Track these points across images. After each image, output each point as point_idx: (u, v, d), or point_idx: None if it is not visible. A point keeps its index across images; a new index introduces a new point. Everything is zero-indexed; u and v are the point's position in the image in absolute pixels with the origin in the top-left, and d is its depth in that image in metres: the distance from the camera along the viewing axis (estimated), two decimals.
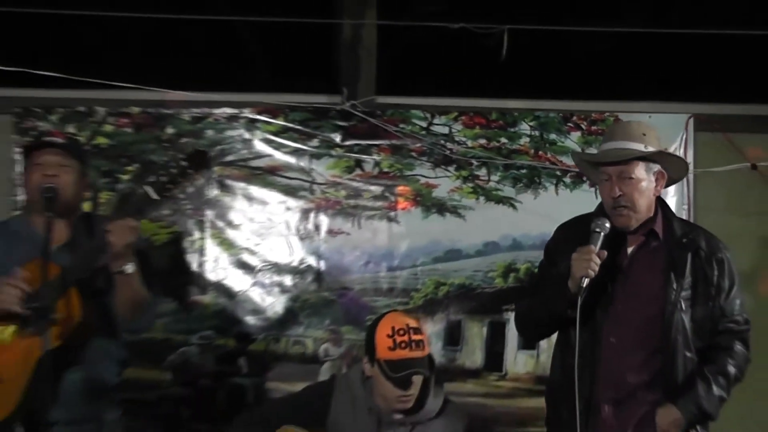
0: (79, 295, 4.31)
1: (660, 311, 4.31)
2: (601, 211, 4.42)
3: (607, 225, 4.22)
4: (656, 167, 4.35)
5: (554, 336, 4.65)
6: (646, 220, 4.38)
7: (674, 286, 4.30)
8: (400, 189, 6.28)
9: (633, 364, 4.33)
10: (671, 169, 4.43)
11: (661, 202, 4.49)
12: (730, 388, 4.36)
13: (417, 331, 4.46)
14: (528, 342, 6.08)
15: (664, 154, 4.42)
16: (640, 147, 4.31)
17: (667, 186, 4.52)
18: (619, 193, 4.28)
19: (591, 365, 4.30)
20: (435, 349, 6.09)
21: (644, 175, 4.31)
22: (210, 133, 6.23)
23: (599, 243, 4.19)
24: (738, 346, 4.39)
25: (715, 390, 4.29)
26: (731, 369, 4.35)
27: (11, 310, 4.23)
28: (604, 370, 4.32)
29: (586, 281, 4.13)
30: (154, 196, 4.22)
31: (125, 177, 6.12)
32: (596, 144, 6.14)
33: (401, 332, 4.46)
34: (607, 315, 4.34)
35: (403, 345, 4.43)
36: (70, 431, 4.40)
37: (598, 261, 4.14)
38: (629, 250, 4.42)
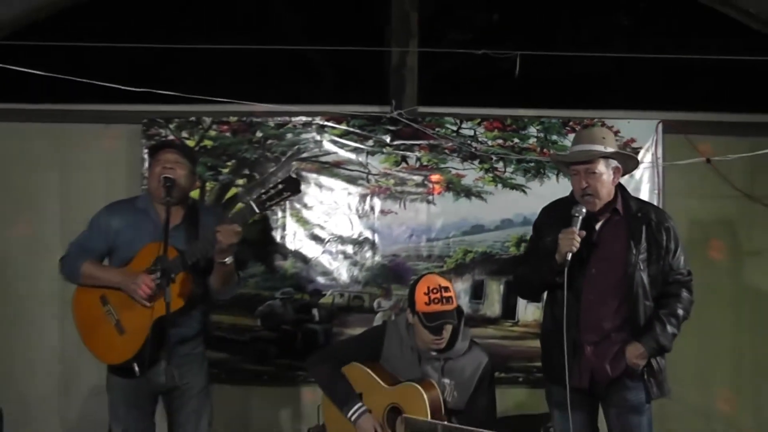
0: (190, 275, 4.44)
1: (624, 271, 4.40)
2: (572, 198, 4.51)
3: (584, 210, 4.35)
4: (614, 163, 4.47)
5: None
6: (609, 201, 4.46)
7: (633, 251, 4.40)
8: (433, 177, 6.28)
9: (607, 314, 4.46)
10: (625, 163, 4.53)
11: (620, 187, 4.56)
12: (680, 326, 4.46)
13: (447, 289, 4.54)
14: (526, 299, 6.03)
15: (619, 154, 4.50)
16: (600, 148, 4.39)
17: (623, 175, 4.55)
18: (586, 185, 4.39)
19: (575, 316, 4.40)
20: (463, 302, 6.14)
21: (604, 170, 4.42)
22: (289, 136, 6.27)
23: (579, 224, 4.32)
24: (684, 293, 4.49)
25: (669, 329, 4.40)
26: (680, 311, 4.45)
27: (141, 302, 4.39)
28: (585, 320, 4.43)
29: (569, 255, 4.26)
30: (257, 210, 4.30)
31: (225, 171, 6.20)
32: None
33: (435, 291, 4.56)
34: (584, 277, 4.46)
35: (436, 301, 4.53)
36: (172, 365, 4.45)
37: (579, 239, 4.27)
38: (597, 225, 4.50)
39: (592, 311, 4.46)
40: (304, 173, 6.30)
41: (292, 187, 4.33)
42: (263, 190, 4.35)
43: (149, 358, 4.38)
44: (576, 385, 4.44)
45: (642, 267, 4.42)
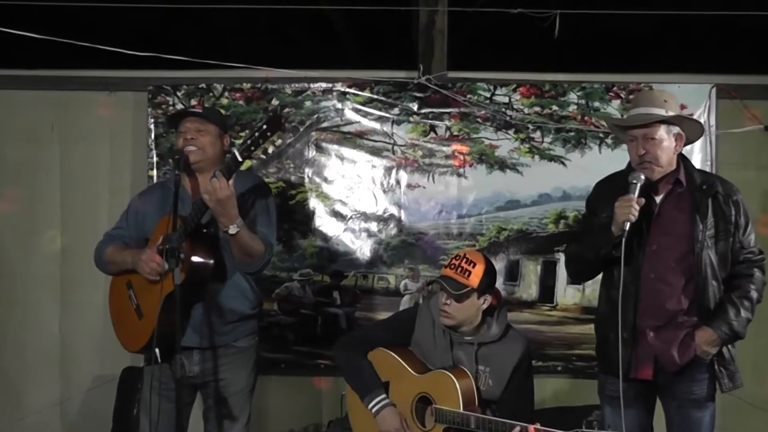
0: (192, 242, 4.35)
1: (689, 248, 4.30)
2: (630, 168, 4.40)
3: (642, 177, 4.24)
4: (676, 129, 4.34)
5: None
6: (671, 172, 4.36)
7: (700, 226, 4.29)
8: (458, 148, 6.24)
9: (671, 295, 4.33)
10: (688, 130, 4.41)
11: (682, 158, 4.45)
12: (754, 309, 4.34)
13: (470, 263, 4.52)
14: (577, 281, 5.99)
15: (681, 118, 4.39)
16: (661, 112, 4.29)
17: (686, 145, 4.44)
18: (643, 151, 4.28)
19: (633, 297, 4.31)
20: (497, 284, 6.14)
21: (665, 136, 4.30)
22: (308, 104, 6.24)
23: (637, 192, 4.21)
24: (757, 273, 4.38)
25: (743, 313, 4.29)
26: (754, 293, 4.35)
27: (148, 277, 4.38)
28: (646, 301, 4.33)
29: (627, 225, 4.16)
30: (239, 158, 4.19)
31: (238, 142, 6.10)
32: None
33: (457, 258, 4.56)
34: (644, 254, 4.34)
35: (452, 266, 4.53)
36: (203, 352, 4.55)
37: (637, 207, 4.17)
38: (658, 198, 4.38)
39: (653, 291, 4.34)
40: (324, 144, 6.30)
41: (276, 125, 4.24)
42: (247, 136, 4.24)
43: (165, 341, 4.26)
44: (635, 375, 4.35)
45: (709, 244, 4.32)
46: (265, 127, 4.21)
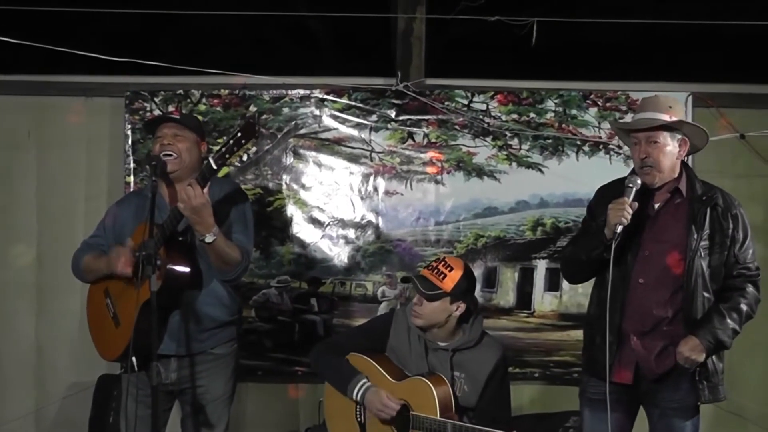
0: (169, 249, 4.35)
1: (682, 257, 4.29)
2: (633, 173, 4.40)
3: (639, 181, 4.25)
4: (679, 135, 4.34)
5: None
6: (672, 179, 4.36)
7: (695, 236, 4.28)
8: (434, 155, 6.26)
9: (658, 301, 4.34)
10: (693, 137, 4.39)
11: (685, 166, 4.45)
12: (743, 323, 4.32)
13: (448, 267, 4.54)
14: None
15: (685, 124, 4.39)
16: (665, 117, 4.30)
17: (691, 153, 4.46)
18: (645, 154, 4.28)
19: (621, 301, 4.32)
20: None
21: (668, 141, 4.30)
22: (286, 110, 6.24)
23: (632, 196, 4.22)
24: (750, 288, 4.35)
25: (729, 323, 4.25)
26: (743, 306, 4.31)
27: (121, 273, 4.36)
28: (633, 306, 4.34)
29: (620, 228, 4.17)
30: (215, 166, 4.19)
31: (216, 148, 6.11)
32: (610, 117, 6.15)
33: (438, 260, 4.60)
34: (636, 259, 4.35)
35: (430, 267, 4.57)
36: (180, 360, 4.53)
37: (630, 211, 4.18)
38: (656, 205, 4.39)
39: (641, 297, 4.36)
40: (302, 151, 6.30)
41: (250, 132, 4.23)
42: (222, 144, 4.24)
43: (142, 349, 4.22)
44: (617, 379, 4.36)
45: (702, 254, 4.31)
46: (239, 134, 4.21)
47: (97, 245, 4.69)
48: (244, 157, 6.22)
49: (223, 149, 4.20)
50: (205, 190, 4.23)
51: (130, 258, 4.33)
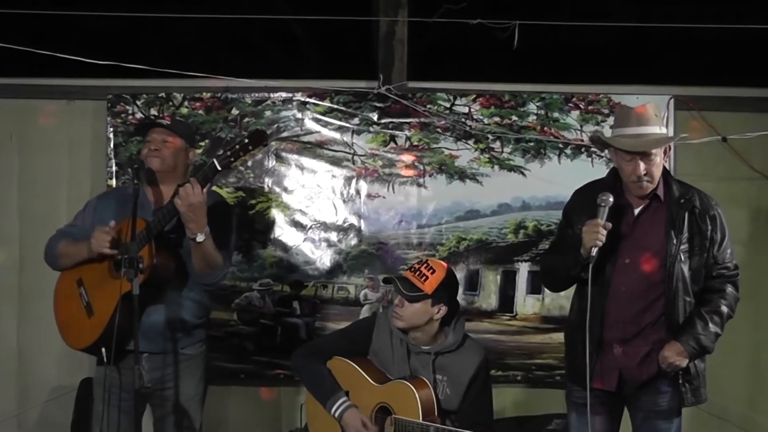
0: (155, 247, 4.36)
1: (662, 263, 4.31)
2: (613, 177, 4.43)
3: (611, 199, 4.21)
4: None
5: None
6: None
7: (674, 241, 4.29)
8: (416, 158, 6.24)
9: (640, 309, 4.36)
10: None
11: (664, 170, 4.44)
12: (724, 325, 4.35)
13: (430, 269, 4.56)
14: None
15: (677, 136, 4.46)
16: (656, 129, 4.31)
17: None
18: (644, 171, 4.26)
19: (601, 311, 4.33)
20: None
21: (659, 152, 4.30)
22: (268, 113, 6.24)
23: (605, 215, 4.20)
24: (729, 288, 4.39)
25: (711, 327, 4.29)
26: (724, 308, 4.34)
27: (103, 251, 4.35)
28: (614, 315, 4.36)
29: (595, 250, 4.16)
30: (219, 167, 4.22)
31: (198, 151, 5.98)
32: (593, 121, 6.18)
33: (420, 263, 4.62)
34: (616, 268, 4.36)
35: (413, 269, 4.60)
36: (151, 360, 4.56)
37: (604, 232, 4.16)
38: (635, 211, 4.40)
39: (622, 305, 4.39)
40: (284, 154, 6.30)
41: (258, 140, 4.27)
42: (228, 147, 4.28)
43: (118, 343, 4.25)
44: (601, 386, 4.40)
45: (683, 259, 4.33)
46: (247, 140, 4.25)
47: (72, 234, 4.69)
48: (249, 163, 6.20)
49: (229, 152, 4.24)
50: (205, 190, 4.26)
51: (113, 238, 4.35)
